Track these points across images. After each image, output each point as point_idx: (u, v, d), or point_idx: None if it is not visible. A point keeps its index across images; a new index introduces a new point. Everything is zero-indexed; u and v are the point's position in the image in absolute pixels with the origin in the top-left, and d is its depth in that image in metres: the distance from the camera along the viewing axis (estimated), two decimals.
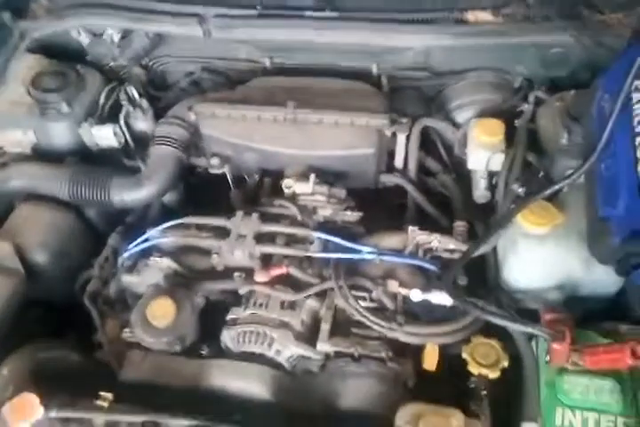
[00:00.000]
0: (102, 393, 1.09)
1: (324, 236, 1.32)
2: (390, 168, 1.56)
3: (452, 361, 1.19)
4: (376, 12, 1.53)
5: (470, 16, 1.47)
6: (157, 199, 1.55)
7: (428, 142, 1.59)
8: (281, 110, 1.45)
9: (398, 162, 1.56)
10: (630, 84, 1.12)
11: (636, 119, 1.11)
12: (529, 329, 1.12)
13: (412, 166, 1.54)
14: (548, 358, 1.12)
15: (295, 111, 1.44)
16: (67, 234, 1.47)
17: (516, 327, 1.16)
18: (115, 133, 1.57)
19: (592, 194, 1.18)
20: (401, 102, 1.59)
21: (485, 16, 1.47)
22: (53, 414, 1.05)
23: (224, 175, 1.56)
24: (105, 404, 1.08)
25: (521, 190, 1.31)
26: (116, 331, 1.33)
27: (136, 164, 1.60)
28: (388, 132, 1.45)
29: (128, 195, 1.46)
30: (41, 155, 1.57)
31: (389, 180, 1.55)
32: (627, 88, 1.11)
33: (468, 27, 1.50)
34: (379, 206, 1.54)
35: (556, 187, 1.24)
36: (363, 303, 1.26)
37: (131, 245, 1.37)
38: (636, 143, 1.10)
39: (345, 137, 1.44)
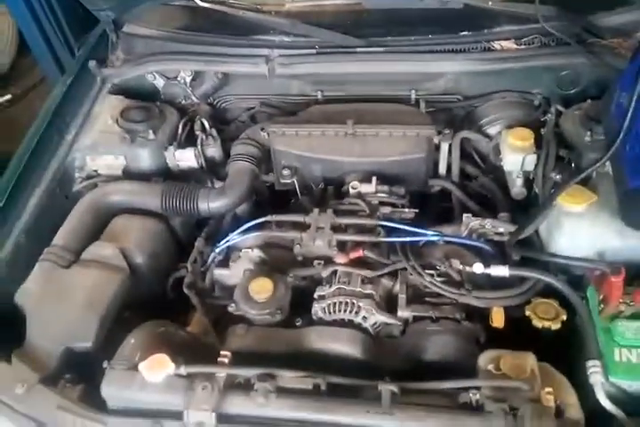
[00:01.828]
0: (222, 352, 1.25)
1: (390, 224, 1.52)
2: (435, 174, 1.79)
3: (514, 323, 1.37)
4: (415, 46, 1.81)
5: (497, 45, 1.76)
6: (233, 210, 1.76)
7: (464, 152, 1.83)
8: (341, 127, 1.69)
9: (442, 168, 1.79)
10: None
11: None
12: (590, 265, 1.30)
13: (455, 170, 1.77)
14: (600, 308, 1.30)
15: (354, 127, 1.68)
16: (157, 240, 1.66)
17: (568, 290, 1.35)
18: (195, 155, 1.81)
19: (620, 173, 1.41)
20: None
21: (509, 44, 1.75)
22: (182, 369, 1.21)
23: (289, 190, 1.80)
24: (226, 360, 1.24)
25: (558, 177, 1.54)
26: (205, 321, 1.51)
27: (209, 183, 1.83)
28: (436, 140, 1.69)
29: (213, 203, 1.66)
30: (129, 176, 1.79)
31: (437, 183, 1.77)
32: None
33: (492, 53, 1.78)
34: (427, 209, 1.76)
35: (589, 171, 1.47)
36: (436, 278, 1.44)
37: (222, 242, 1.57)
38: None
39: (399, 145, 1.68)
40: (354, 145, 1.70)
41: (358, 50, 1.83)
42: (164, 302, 1.64)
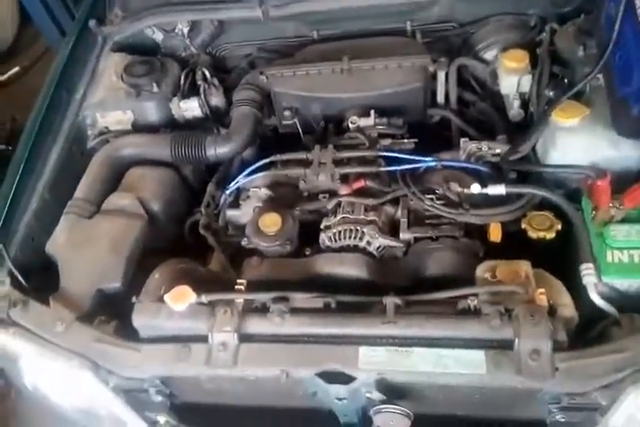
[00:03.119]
0: (239, 280, 1.35)
1: (390, 154, 1.58)
2: (434, 104, 1.82)
3: (512, 236, 1.44)
4: None
5: None
6: (239, 154, 1.83)
7: (461, 79, 1.84)
8: (337, 64, 1.73)
9: (440, 97, 1.82)
10: None
11: (639, 11, 1.35)
12: (575, 171, 1.38)
13: (453, 98, 1.80)
14: (593, 214, 1.35)
15: (349, 63, 1.72)
16: (171, 188, 1.75)
17: (562, 201, 1.40)
18: (199, 104, 1.87)
19: (610, 83, 1.43)
20: None
21: None
22: (203, 298, 1.31)
23: (293, 132, 1.85)
24: (242, 287, 1.34)
25: (551, 93, 1.57)
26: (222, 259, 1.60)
27: (215, 131, 1.90)
28: (431, 69, 1.71)
29: (220, 149, 1.73)
30: (139, 130, 1.87)
31: (436, 112, 1.80)
32: None
33: None
34: (428, 139, 1.79)
35: (580, 85, 1.49)
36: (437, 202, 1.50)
37: (232, 184, 1.65)
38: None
39: (396, 77, 1.71)
40: (351, 81, 1.73)
41: None
42: (183, 246, 1.74)
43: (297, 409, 1.47)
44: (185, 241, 1.74)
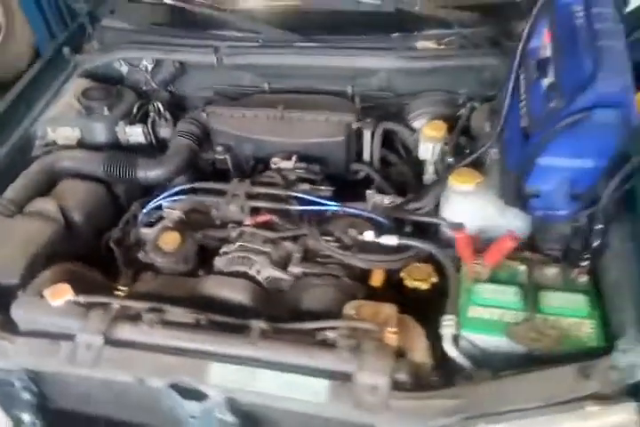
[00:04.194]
0: (120, 287, 1.42)
1: (298, 194, 1.69)
2: (359, 160, 1.95)
3: (395, 284, 1.52)
4: (349, 43, 2.00)
5: (419, 45, 1.94)
6: (168, 181, 1.92)
7: (391, 143, 1.99)
8: (272, 111, 1.88)
9: (366, 155, 1.95)
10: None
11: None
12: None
13: (376, 157, 1.93)
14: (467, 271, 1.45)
15: (283, 111, 1.87)
16: (96, 201, 1.85)
17: (441, 255, 1.50)
18: (143, 132, 2.00)
19: (502, 156, 1.57)
20: None
21: (430, 45, 1.93)
22: (81, 298, 1.38)
23: (225, 169, 1.97)
24: (121, 293, 1.41)
25: (451, 160, 1.70)
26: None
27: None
28: (354, 126, 1.86)
29: (150, 172, 1.85)
30: (83, 147, 1.99)
31: (358, 167, 1.93)
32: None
33: (417, 52, 1.96)
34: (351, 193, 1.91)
35: (474, 155, 1.63)
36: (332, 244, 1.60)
37: (150, 204, 1.75)
38: (521, 113, 1.49)
39: (321, 129, 1.85)
40: (282, 127, 1.88)
41: (297, 44, 2.02)
42: (99, 258, 1.81)
43: None
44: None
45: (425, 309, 1.47)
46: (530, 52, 1.48)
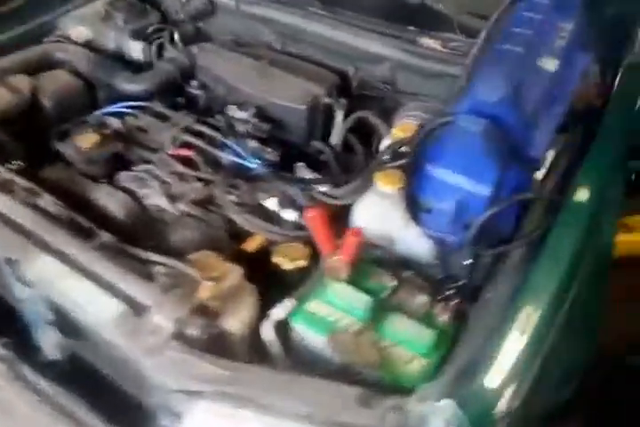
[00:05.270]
0: (14, 161, 1.49)
1: (233, 145, 1.69)
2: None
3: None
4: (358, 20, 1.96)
5: (422, 41, 1.87)
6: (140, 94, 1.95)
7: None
8: (256, 62, 1.90)
9: (333, 138, 1.91)
10: None
11: None
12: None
13: (337, 139, 1.89)
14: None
15: (266, 65, 1.87)
16: (74, 97, 1.91)
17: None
18: (142, 49, 2.08)
19: None
20: None
21: (434, 45, 1.86)
22: None
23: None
24: (12, 167, 1.48)
25: (387, 157, 1.63)
26: None
27: None
28: (324, 101, 1.82)
29: (128, 85, 1.92)
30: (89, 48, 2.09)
31: (318, 145, 1.89)
32: None
33: (423, 50, 1.88)
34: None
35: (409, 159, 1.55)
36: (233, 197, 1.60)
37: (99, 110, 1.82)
38: None
39: (289, 93, 1.83)
40: (258, 81, 1.87)
41: (311, 9, 2.01)
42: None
43: None
44: None
45: (283, 290, 1.42)
46: None
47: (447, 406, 1.05)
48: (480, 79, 1.04)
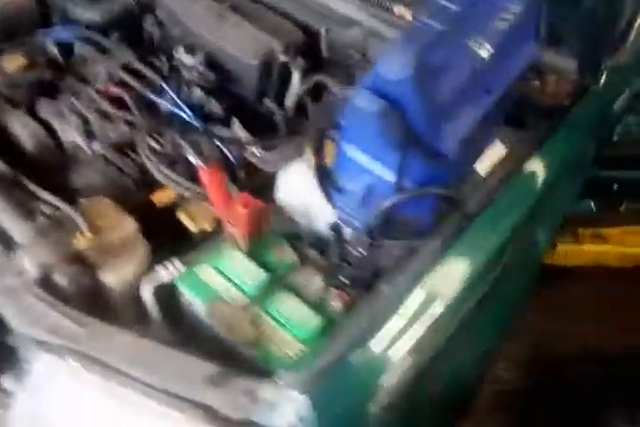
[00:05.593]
0: None
1: (167, 87, 1.58)
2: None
3: None
4: None
5: (396, 9, 1.74)
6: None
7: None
8: (217, 5, 1.77)
9: (288, 100, 1.80)
10: None
11: None
12: None
13: (290, 103, 1.78)
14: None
15: (227, 9, 1.75)
16: (21, 17, 1.80)
17: None
18: None
19: None
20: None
21: (406, 13, 1.72)
22: None
23: None
24: None
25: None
26: None
27: None
28: (280, 58, 1.69)
29: (85, 12, 1.79)
30: None
31: (269, 105, 1.77)
32: None
33: (393, 19, 1.75)
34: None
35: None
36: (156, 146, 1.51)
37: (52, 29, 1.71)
38: None
39: (244, 44, 1.70)
40: (215, 25, 1.74)
41: None
42: None
43: None
44: None
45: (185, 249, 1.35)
46: None
47: (300, 397, 1.00)
48: (387, 54, 0.93)
